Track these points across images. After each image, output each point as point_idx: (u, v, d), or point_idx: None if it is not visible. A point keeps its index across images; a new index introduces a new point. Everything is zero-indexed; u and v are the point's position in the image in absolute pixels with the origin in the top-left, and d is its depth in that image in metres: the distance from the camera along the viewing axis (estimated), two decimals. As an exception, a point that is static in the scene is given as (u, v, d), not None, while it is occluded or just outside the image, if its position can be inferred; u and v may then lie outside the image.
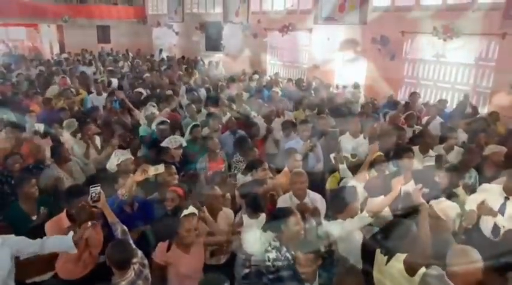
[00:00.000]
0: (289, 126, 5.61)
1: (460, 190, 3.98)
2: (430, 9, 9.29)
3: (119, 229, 2.98)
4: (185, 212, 2.99)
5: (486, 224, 3.58)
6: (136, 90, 8.42)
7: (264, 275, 2.73)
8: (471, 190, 4.13)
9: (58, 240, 2.85)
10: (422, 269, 2.58)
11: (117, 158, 4.09)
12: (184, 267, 3.05)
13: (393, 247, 2.76)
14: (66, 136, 5.25)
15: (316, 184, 4.36)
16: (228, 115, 6.48)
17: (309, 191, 3.73)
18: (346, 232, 3.09)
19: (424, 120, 6.69)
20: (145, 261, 2.83)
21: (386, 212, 3.45)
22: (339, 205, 3.22)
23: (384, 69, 10.30)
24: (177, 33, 18.53)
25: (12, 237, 2.81)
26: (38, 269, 3.35)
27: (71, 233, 2.84)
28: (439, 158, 4.51)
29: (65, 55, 16.27)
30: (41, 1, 17.93)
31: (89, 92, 8.59)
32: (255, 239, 2.85)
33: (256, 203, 3.27)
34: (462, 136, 5.69)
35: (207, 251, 3.35)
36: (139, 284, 2.63)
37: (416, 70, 10.05)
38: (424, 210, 2.86)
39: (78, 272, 3.15)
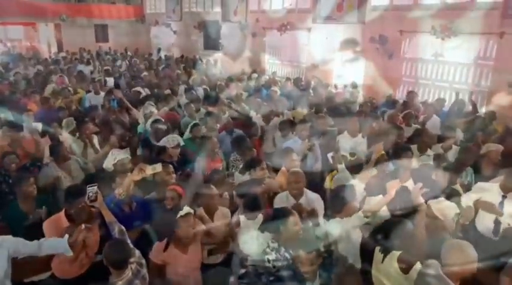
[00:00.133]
0: (287, 126, 5.60)
1: (457, 189, 3.96)
2: (429, 8, 9.27)
3: (117, 228, 2.97)
4: (181, 213, 2.98)
5: (485, 222, 3.58)
6: (134, 89, 8.40)
7: (262, 275, 2.71)
8: (467, 188, 4.12)
9: (55, 242, 2.84)
10: (418, 265, 2.57)
11: (113, 158, 4.06)
12: (182, 267, 3.05)
13: (389, 245, 2.76)
14: (65, 135, 5.22)
15: (315, 183, 4.36)
16: (227, 114, 6.46)
17: (306, 190, 3.71)
18: (345, 231, 3.07)
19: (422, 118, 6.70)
20: (143, 261, 2.82)
21: (384, 212, 3.44)
22: (337, 204, 3.22)
23: (382, 68, 10.30)
24: (175, 32, 18.49)
25: (9, 238, 2.80)
26: (35, 269, 3.34)
27: (67, 236, 2.83)
28: (438, 158, 4.51)
29: (62, 54, 16.23)
30: (39, 0, 17.86)
31: (87, 91, 8.57)
32: (252, 240, 2.83)
33: (253, 203, 3.25)
34: (459, 134, 5.69)
35: (204, 250, 3.34)
36: (136, 283, 2.62)
37: (414, 70, 10.03)
38: (422, 210, 2.86)
39: (74, 271, 3.14)
